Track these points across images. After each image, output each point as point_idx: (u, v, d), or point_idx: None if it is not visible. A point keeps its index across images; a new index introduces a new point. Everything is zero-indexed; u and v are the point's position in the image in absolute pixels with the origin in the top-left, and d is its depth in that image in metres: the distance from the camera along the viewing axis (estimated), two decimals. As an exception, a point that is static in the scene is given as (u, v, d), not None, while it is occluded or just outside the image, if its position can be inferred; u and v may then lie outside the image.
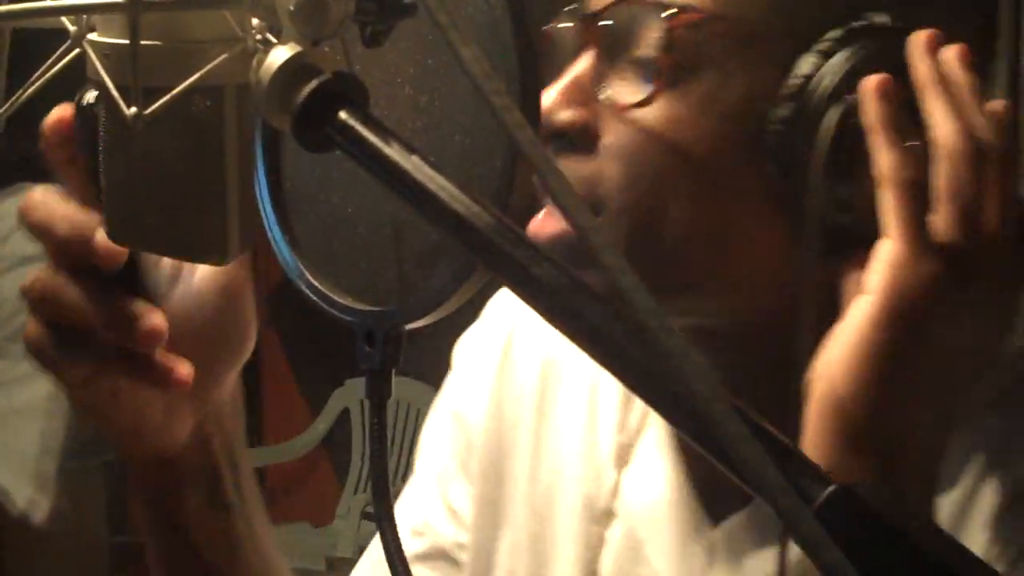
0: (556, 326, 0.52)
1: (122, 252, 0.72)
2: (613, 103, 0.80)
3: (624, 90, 0.80)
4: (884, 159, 0.72)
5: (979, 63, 0.76)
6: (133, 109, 0.58)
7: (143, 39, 0.60)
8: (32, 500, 1.88)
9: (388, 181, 0.56)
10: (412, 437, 3.49)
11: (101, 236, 0.71)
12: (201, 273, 0.79)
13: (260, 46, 0.61)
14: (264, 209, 0.78)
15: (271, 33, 0.62)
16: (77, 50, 0.63)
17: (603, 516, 0.92)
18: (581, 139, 0.81)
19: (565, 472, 0.95)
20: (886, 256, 0.72)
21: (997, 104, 0.75)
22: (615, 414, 0.94)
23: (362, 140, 0.56)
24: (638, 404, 0.94)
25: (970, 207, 0.72)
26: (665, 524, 0.89)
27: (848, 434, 0.71)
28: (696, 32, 0.78)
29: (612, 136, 0.80)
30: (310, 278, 0.76)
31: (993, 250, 0.72)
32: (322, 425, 3.70)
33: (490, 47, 0.67)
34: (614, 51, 0.80)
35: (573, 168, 0.81)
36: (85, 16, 0.62)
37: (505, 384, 1.00)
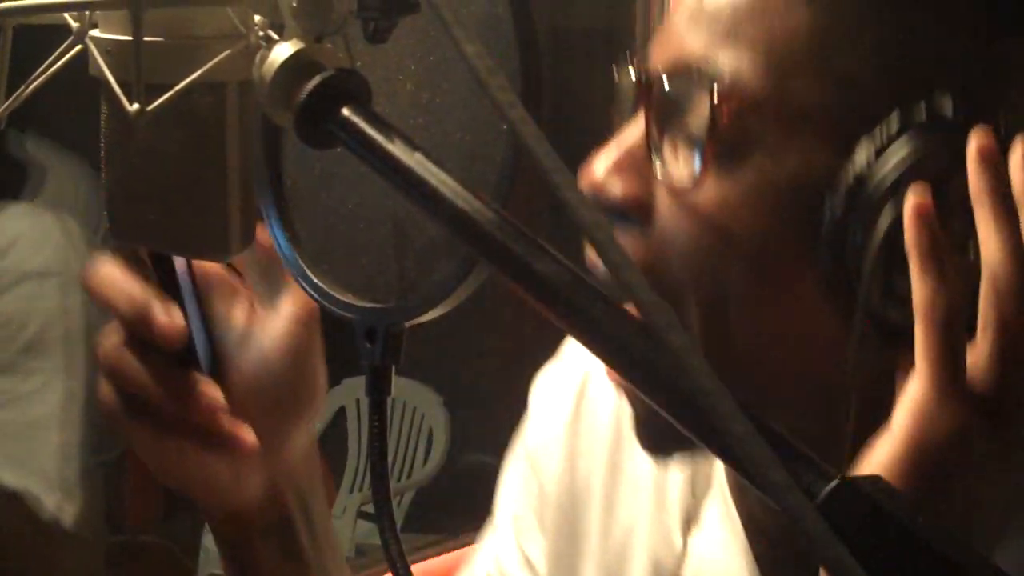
0: (559, 321, 0.52)
1: (179, 333, 0.76)
2: (666, 179, 0.77)
3: (675, 167, 0.76)
4: (918, 290, 0.67)
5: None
6: (135, 105, 0.58)
7: (145, 35, 0.60)
8: (60, 506, 1.92)
9: (391, 177, 0.56)
10: (409, 436, 3.50)
11: (159, 318, 0.75)
12: (271, 336, 0.80)
13: (262, 42, 0.61)
14: (264, 205, 0.78)
15: (273, 29, 0.62)
16: (79, 46, 0.63)
17: None
18: (636, 213, 0.77)
19: (636, 530, 0.93)
20: (912, 396, 0.67)
21: None
22: (682, 476, 0.92)
23: (365, 136, 0.57)
24: (703, 466, 0.91)
25: (1013, 341, 0.67)
26: None
27: None
28: (745, 113, 0.74)
29: (665, 213, 0.77)
30: (311, 275, 0.76)
31: None
32: (318, 424, 3.69)
33: (492, 43, 0.67)
34: (667, 120, 0.76)
35: (630, 244, 0.77)
36: (87, 12, 0.62)
37: (579, 433, 0.98)
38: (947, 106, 0.72)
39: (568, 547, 0.97)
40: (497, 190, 0.67)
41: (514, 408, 1.08)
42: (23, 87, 0.64)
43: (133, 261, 0.79)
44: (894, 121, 0.72)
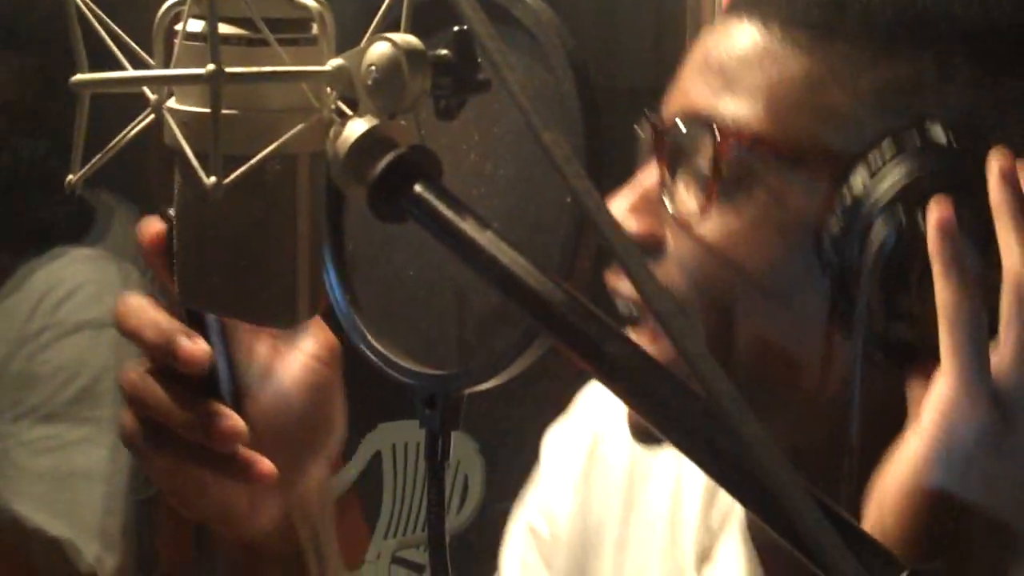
0: (629, 403, 0.53)
1: (203, 359, 0.77)
2: (676, 214, 0.82)
3: (684, 204, 0.82)
4: (943, 295, 0.72)
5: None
6: (212, 178, 0.59)
7: (222, 108, 0.61)
8: (99, 557, 1.92)
9: (463, 255, 0.57)
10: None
11: (183, 344, 0.76)
12: (291, 373, 0.81)
13: (335, 116, 0.62)
14: (327, 270, 0.79)
15: (344, 102, 0.63)
16: (154, 116, 0.64)
17: None
18: (650, 248, 0.83)
19: (649, 568, 0.96)
20: (939, 395, 0.71)
21: None
22: (697, 514, 0.95)
23: (437, 214, 0.58)
24: (720, 504, 0.94)
25: None
26: None
27: None
28: (746, 151, 0.80)
29: (676, 245, 0.82)
30: (372, 340, 0.77)
31: None
32: (353, 469, 3.70)
33: (558, 117, 0.68)
34: (678, 162, 0.82)
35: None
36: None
37: (592, 483, 1.01)
38: (939, 134, 0.77)
39: None
40: (561, 263, 0.68)
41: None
42: (101, 154, 0.65)
43: (160, 295, 0.81)
44: (887, 147, 0.77)
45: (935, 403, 0.71)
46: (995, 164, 0.74)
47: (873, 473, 0.73)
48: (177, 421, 0.77)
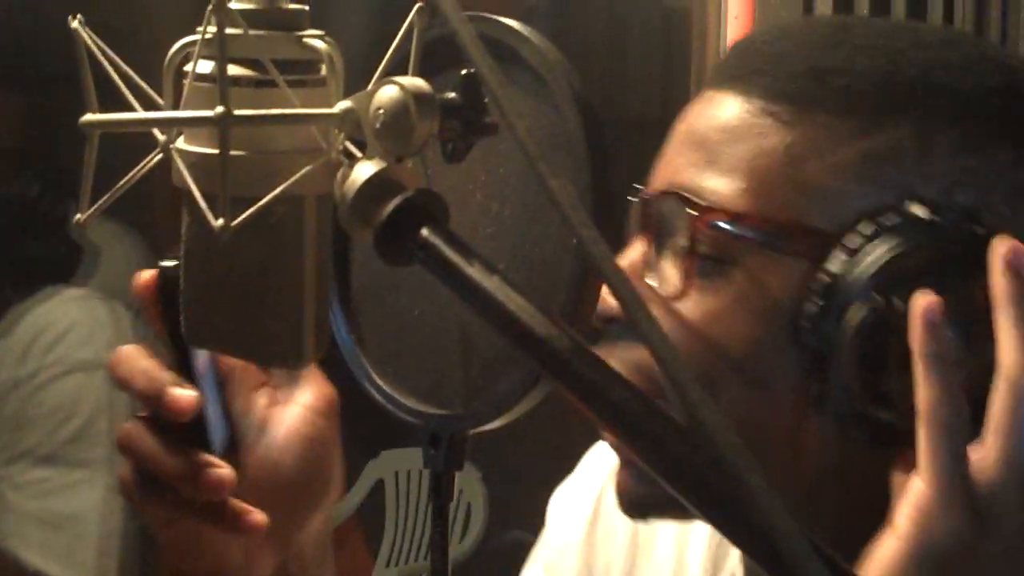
0: (634, 451, 0.53)
1: (191, 408, 0.77)
2: (657, 292, 0.81)
3: (665, 280, 0.81)
4: (923, 392, 0.69)
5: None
6: (220, 220, 0.59)
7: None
8: None
9: (469, 299, 0.57)
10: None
11: (172, 393, 0.77)
12: (288, 425, 0.82)
13: (343, 158, 0.63)
14: (332, 308, 0.79)
15: (353, 143, 0.63)
16: (162, 156, 0.64)
17: None
18: (630, 326, 0.81)
19: None
20: (914, 499, 0.69)
21: None
22: (701, 568, 0.95)
23: (444, 258, 0.58)
24: (724, 558, 0.95)
25: (1021, 446, 0.69)
26: None
27: None
28: (724, 228, 0.78)
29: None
30: (376, 379, 0.77)
31: None
32: (356, 496, 3.70)
33: (564, 159, 0.68)
34: (661, 239, 0.82)
35: (622, 355, 0.80)
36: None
37: (596, 540, 1.02)
38: (922, 212, 0.75)
39: None
40: (565, 305, 0.68)
41: (552, 486, 1.10)
42: (109, 194, 0.65)
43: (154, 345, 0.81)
44: (865, 226, 0.75)
45: (911, 504, 0.70)
46: (999, 251, 0.71)
47: (855, 556, 0.72)
48: (167, 470, 0.77)
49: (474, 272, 0.57)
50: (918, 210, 0.75)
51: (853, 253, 0.75)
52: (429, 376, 0.76)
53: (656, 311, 0.79)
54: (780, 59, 0.81)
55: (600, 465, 1.04)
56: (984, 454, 0.69)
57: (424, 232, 0.58)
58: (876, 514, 0.72)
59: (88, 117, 0.62)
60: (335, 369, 0.81)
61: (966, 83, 0.79)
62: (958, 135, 0.78)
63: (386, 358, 0.78)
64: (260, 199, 0.60)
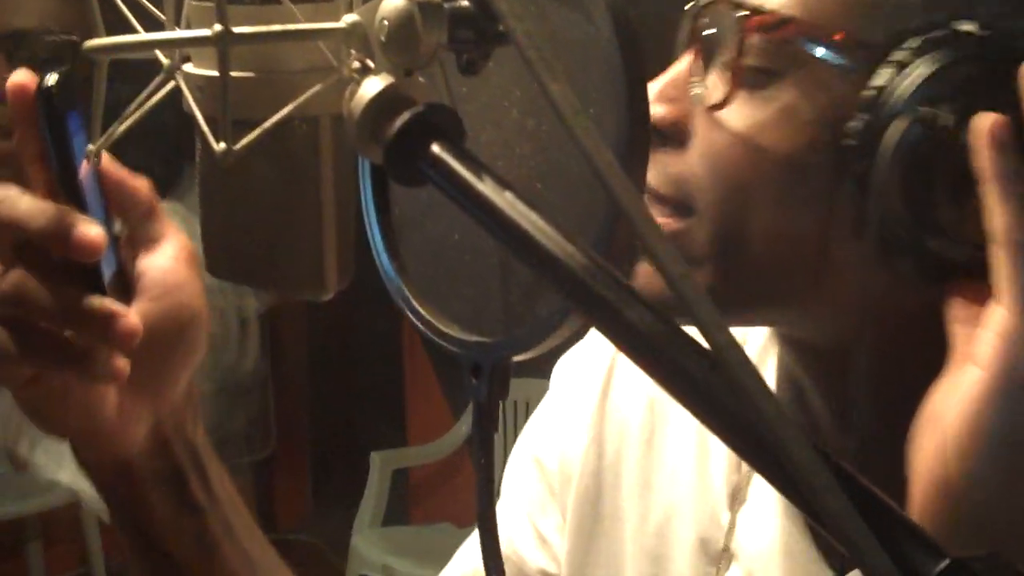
0: (648, 372, 0.49)
1: (101, 247, 0.71)
2: (700, 102, 0.80)
3: (712, 91, 0.80)
4: (997, 216, 0.66)
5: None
6: (222, 145, 0.56)
7: (237, 71, 0.58)
8: None
9: (479, 217, 0.54)
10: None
11: (80, 230, 0.70)
12: (151, 274, 0.79)
13: (356, 76, 0.59)
14: (372, 234, 0.76)
15: (368, 61, 0.60)
16: (172, 82, 0.62)
17: (720, 557, 0.89)
18: (673, 134, 0.81)
19: (678, 511, 0.93)
20: (997, 326, 0.66)
21: None
22: (727, 452, 0.90)
23: (453, 174, 0.54)
24: None
25: None
26: (783, 568, 0.86)
27: (963, 521, 0.66)
28: (772, 36, 0.77)
29: (699, 135, 0.80)
30: (417, 306, 0.74)
31: None
32: (464, 427, 3.70)
33: (597, 70, 0.65)
34: (709, 52, 0.80)
35: (664, 162, 0.80)
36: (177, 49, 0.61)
37: (607, 414, 0.97)
38: (973, 32, 0.72)
39: (593, 525, 0.96)
40: (605, 223, 0.64)
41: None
42: (117, 123, 0.63)
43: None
44: (915, 40, 0.73)
45: (993, 335, 0.66)
46: None
47: (891, 383, 0.69)
48: (69, 321, 0.71)
49: (484, 188, 0.53)
50: (968, 26, 0.73)
51: (901, 68, 0.72)
52: (470, 304, 0.73)
53: (699, 120, 0.80)
54: None
55: None
56: None
57: (434, 148, 0.55)
58: (921, 355, 0.69)
59: (91, 42, 0.60)
60: (380, 299, 0.78)
61: None
62: None
63: (428, 285, 0.75)
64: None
